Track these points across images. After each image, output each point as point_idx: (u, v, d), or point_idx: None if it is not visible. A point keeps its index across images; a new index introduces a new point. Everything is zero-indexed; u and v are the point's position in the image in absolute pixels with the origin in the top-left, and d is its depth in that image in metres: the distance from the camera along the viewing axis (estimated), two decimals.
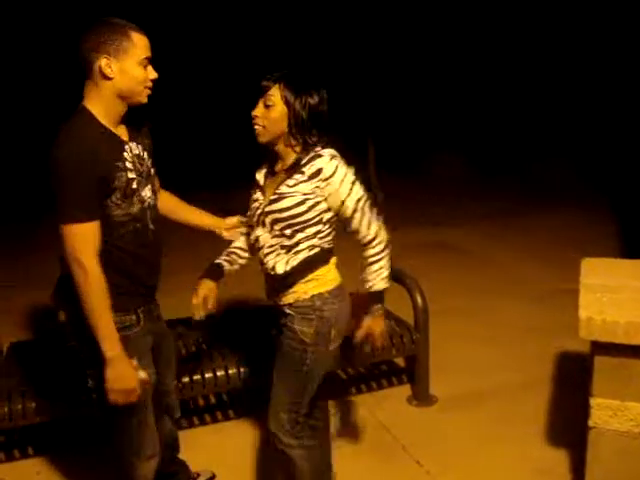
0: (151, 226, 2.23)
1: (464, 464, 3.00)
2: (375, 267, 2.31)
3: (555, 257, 5.67)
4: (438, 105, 9.94)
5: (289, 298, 2.31)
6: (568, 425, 3.17)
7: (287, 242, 2.25)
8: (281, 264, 2.27)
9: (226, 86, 9.19)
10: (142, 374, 2.19)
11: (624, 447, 2.44)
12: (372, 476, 2.97)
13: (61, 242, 2.02)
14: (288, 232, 2.23)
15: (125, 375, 2.09)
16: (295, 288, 2.29)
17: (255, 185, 2.38)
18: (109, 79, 2.04)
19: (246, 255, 2.55)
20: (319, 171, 2.17)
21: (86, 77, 2.07)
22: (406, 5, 9.01)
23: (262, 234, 2.31)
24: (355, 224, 2.25)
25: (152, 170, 2.28)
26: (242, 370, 3.16)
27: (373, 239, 2.27)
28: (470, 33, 9.70)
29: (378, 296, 2.38)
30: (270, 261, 2.29)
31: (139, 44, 2.05)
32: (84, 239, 2.01)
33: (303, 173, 2.20)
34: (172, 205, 2.52)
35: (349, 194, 2.20)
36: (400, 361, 3.88)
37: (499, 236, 6.56)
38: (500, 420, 3.32)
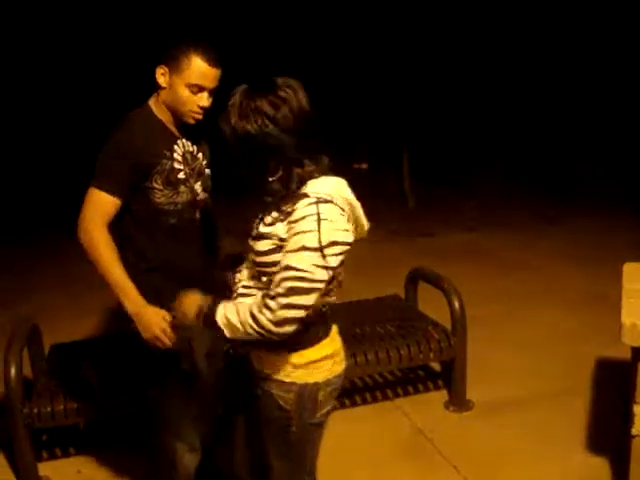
0: (197, 216, 2.32)
1: (502, 471, 2.97)
2: (240, 307, 1.77)
3: (592, 262, 5.59)
4: (472, 112, 9.87)
5: (264, 366, 1.89)
6: (608, 433, 3.11)
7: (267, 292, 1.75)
8: None
9: None
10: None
11: None
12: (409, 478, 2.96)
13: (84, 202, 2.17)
14: (264, 279, 1.79)
15: (151, 324, 2.12)
16: (273, 359, 1.86)
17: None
18: (162, 87, 2.19)
19: None
20: (292, 212, 1.70)
21: None
22: (444, 15, 8.97)
23: (243, 268, 1.93)
24: (274, 276, 1.71)
25: (207, 171, 2.37)
26: None
27: (264, 297, 1.71)
28: (508, 46, 9.61)
29: (210, 318, 1.82)
30: None
31: (195, 70, 2.12)
32: (95, 206, 2.13)
33: (282, 211, 1.74)
34: None
35: (292, 251, 1.67)
36: (436, 365, 3.85)
37: (535, 241, 6.48)
38: (539, 426, 3.28)
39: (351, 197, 1.79)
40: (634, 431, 2.43)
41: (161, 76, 2.17)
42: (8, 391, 2.88)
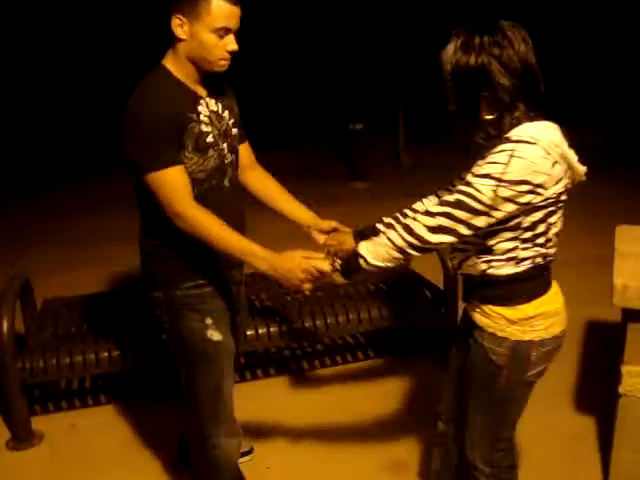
0: (226, 184, 2.14)
1: None
2: (386, 232, 1.82)
3: (586, 225, 5.58)
4: None
5: (478, 318, 1.91)
6: (597, 392, 3.15)
7: (481, 246, 1.81)
8: (476, 268, 1.85)
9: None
10: (216, 335, 2.14)
11: None
12: (402, 434, 3.00)
13: (153, 195, 1.96)
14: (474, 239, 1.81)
15: (291, 270, 1.95)
16: (488, 311, 1.87)
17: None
18: (181, 40, 1.97)
19: None
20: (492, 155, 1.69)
21: None
22: None
23: None
24: (446, 194, 1.81)
25: (233, 130, 2.18)
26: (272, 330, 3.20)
27: (420, 213, 1.78)
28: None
29: (351, 257, 1.88)
30: (455, 259, 1.92)
31: (217, 11, 1.91)
32: (169, 187, 1.93)
33: (484, 158, 1.73)
34: (269, 189, 2.40)
35: (476, 175, 1.69)
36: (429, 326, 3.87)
37: None
38: None
39: (561, 141, 1.73)
40: (621, 390, 2.45)
41: (178, 27, 1.94)
42: (0, 346, 2.88)
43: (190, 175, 2.00)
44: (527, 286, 1.83)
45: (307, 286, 1.98)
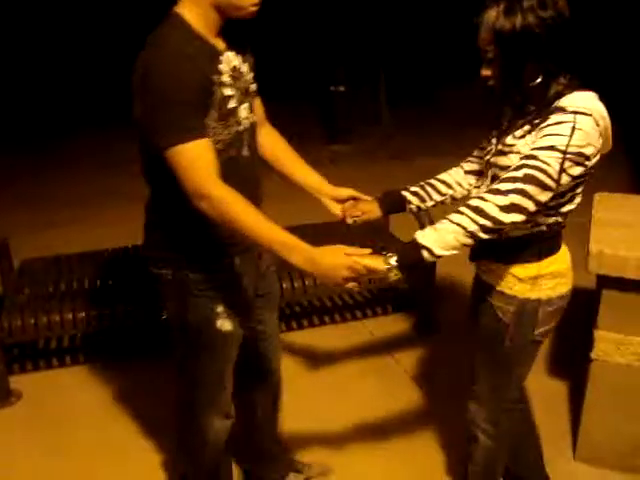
0: (245, 153, 1.89)
1: (464, 390, 3.06)
2: (450, 216, 1.69)
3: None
4: (453, 35, 9.63)
5: (487, 276, 1.94)
6: (570, 357, 3.21)
7: None
8: None
9: None
10: (226, 325, 1.96)
11: (624, 379, 2.48)
12: (375, 396, 3.05)
13: (173, 170, 1.68)
14: None
15: (329, 270, 1.70)
16: (497, 269, 1.89)
17: (496, 123, 1.89)
18: None
19: (449, 193, 2.10)
20: (545, 125, 1.67)
21: None
22: None
23: (480, 186, 1.93)
24: (507, 172, 1.68)
25: (252, 87, 1.93)
26: None
27: (487, 192, 1.67)
28: None
29: (410, 250, 1.73)
30: None
31: None
32: (195, 162, 1.67)
33: (534, 125, 1.71)
34: (278, 151, 2.12)
35: (540, 148, 1.64)
36: (406, 287, 3.91)
37: None
38: None
39: (605, 112, 1.70)
40: (593, 355, 2.50)
41: None
42: None
43: None
44: (540, 246, 1.86)
45: (352, 284, 1.76)
